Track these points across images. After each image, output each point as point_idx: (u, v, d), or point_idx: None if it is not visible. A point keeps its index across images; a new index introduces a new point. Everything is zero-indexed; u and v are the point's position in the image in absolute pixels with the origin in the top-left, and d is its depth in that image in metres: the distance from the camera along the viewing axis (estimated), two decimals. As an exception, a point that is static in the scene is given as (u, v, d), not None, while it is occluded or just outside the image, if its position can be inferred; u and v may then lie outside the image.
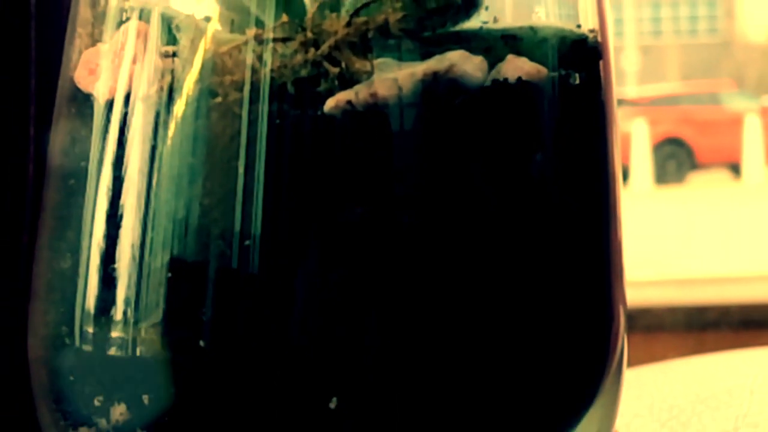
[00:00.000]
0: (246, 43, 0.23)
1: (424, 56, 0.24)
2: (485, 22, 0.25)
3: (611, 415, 0.27)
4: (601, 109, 0.27)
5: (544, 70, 0.25)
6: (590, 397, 0.26)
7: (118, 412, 0.24)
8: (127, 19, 0.25)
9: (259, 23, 0.24)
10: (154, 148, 0.24)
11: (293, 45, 0.24)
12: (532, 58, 0.25)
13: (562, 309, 0.25)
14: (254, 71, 0.23)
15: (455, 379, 0.23)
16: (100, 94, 0.25)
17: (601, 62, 0.27)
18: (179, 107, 0.24)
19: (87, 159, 0.25)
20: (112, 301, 0.24)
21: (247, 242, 0.23)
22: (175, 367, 0.23)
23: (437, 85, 0.23)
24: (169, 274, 0.23)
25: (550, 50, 0.25)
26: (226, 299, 0.23)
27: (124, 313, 0.24)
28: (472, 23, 0.25)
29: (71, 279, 0.25)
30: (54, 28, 0.41)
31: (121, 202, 0.24)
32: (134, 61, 0.25)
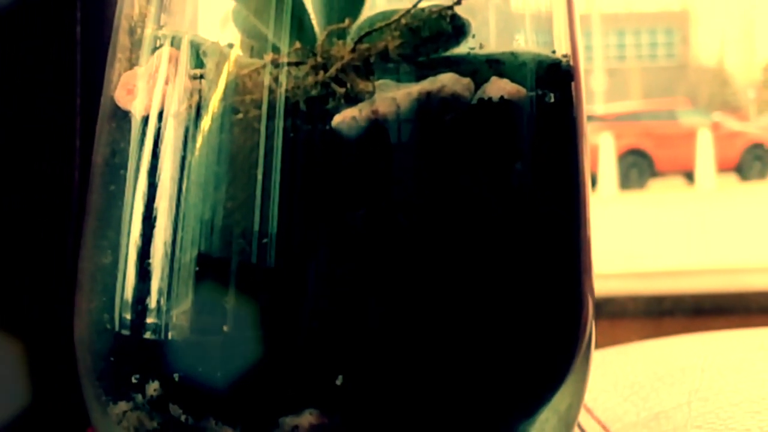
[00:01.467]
0: (264, 66, 0.23)
1: (419, 78, 0.24)
2: (472, 48, 0.25)
3: (581, 390, 0.27)
4: (573, 124, 0.27)
5: (523, 90, 0.25)
6: (563, 374, 0.26)
7: (153, 388, 0.24)
8: (160, 45, 0.25)
9: (276, 49, 0.24)
10: (183, 159, 0.24)
11: (305, 68, 0.24)
12: (513, 80, 0.25)
13: (539, 298, 0.25)
14: (271, 91, 0.23)
15: (454, 356, 0.23)
16: (136, 111, 0.25)
17: (572, 83, 0.27)
18: (206, 122, 0.24)
19: (125, 168, 0.25)
20: (147, 292, 0.24)
21: (264, 240, 0.23)
22: (202, 348, 0.23)
23: (430, 104, 0.23)
24: (197, 268, 0.23)
25: (528, 73, 0.25)
26: (246, 289, 0.23)
27: (158, 301, 0.24)
28: (461, 49, 0.25)
29: (112, 273, 0.25)
30: (97, 54, 0.41)
31: (155, 205, 0.24)
32: (166, 82, 0.25)
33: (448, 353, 0.23)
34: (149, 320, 0.24)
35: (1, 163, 0.38)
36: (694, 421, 0.39)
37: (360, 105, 0.23)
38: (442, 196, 0.23)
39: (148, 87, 0.25)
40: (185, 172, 0.24)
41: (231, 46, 0.25)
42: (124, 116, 0.26)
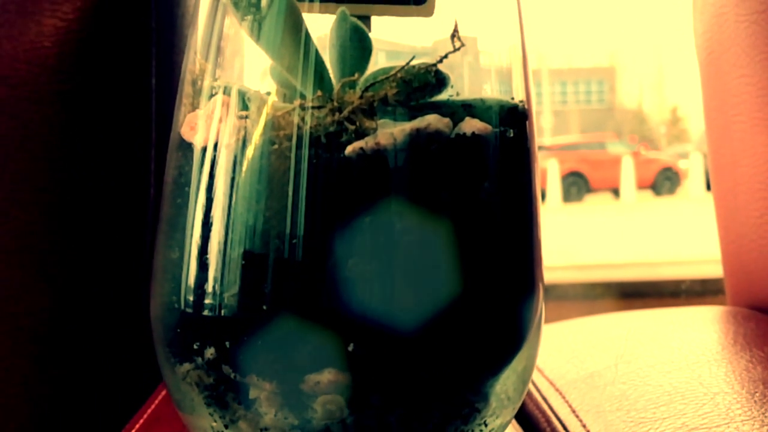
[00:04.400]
0: (294, 109, 0.24)
1: (411, 118, 0.24)
2: (451, 96, 0.25)
3: (534, 354, 0.27)
4: (527, 153, 0.27)
5: (489, 127, 0.25)
6: (520, 341, 0.26)
7: (209, 353, 0.24)
8: (215, 93, 0.25)
9: (302, 96, 0.24)
10: (233, 179, 0.24)
11: (325, 111, 0.24)
12: (482, 119, 0.25)
13: (503, 284, 0.25)
14: (299, 128, 0.23)
15: (439, 328, 0.23)
16: (197, 143, 0.25)
17: (527, 122, 0.27)
18: (249, 152, 0.24)
19: (189, 185, 0.25)
20: (206, 279, 0.24)
21: (294, 240, 0.23)
22: (246, 323, 0.23)
23: (419, 138, 0.23)
24: (243, 262, 0.23)
25: (493, 114, 0.25)
26: (280, 278, 0.23)
27: (213, 287, 0.24)
28: (442, 96, 0.25)
29: (178, 265, 0.25)
30: (167, 99, 0.41)
31: (212, 214, 0.24)
32: (220, 121, 0.25)
33: (434, 326, 0.23)
34: (207, 301, 0.24)
35: (96, 184, 0.38)
36: (620, 378, 0.39)
37: (366, 138, 0.23)
38: (428, 207, 0.24)
39: (206, 125, 0.25)
40: (234, 189, 0.24)
41: (269, 93, 0.25)
42: (188, 147, 0.26)
